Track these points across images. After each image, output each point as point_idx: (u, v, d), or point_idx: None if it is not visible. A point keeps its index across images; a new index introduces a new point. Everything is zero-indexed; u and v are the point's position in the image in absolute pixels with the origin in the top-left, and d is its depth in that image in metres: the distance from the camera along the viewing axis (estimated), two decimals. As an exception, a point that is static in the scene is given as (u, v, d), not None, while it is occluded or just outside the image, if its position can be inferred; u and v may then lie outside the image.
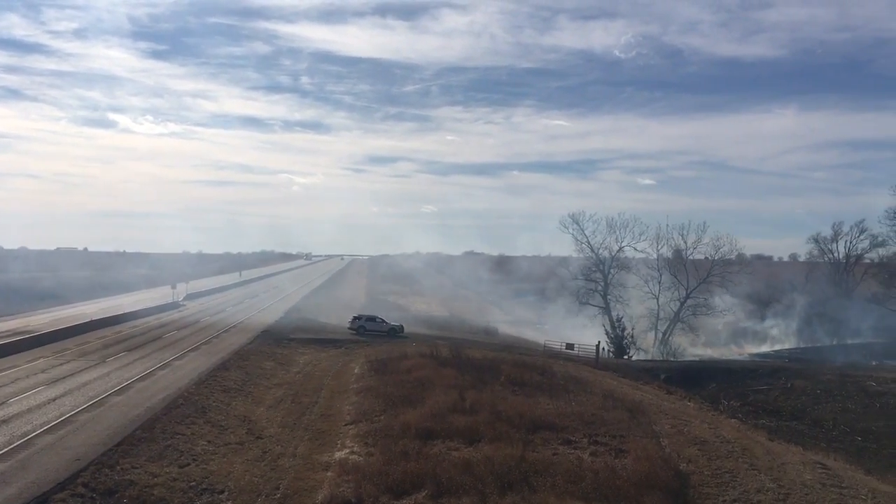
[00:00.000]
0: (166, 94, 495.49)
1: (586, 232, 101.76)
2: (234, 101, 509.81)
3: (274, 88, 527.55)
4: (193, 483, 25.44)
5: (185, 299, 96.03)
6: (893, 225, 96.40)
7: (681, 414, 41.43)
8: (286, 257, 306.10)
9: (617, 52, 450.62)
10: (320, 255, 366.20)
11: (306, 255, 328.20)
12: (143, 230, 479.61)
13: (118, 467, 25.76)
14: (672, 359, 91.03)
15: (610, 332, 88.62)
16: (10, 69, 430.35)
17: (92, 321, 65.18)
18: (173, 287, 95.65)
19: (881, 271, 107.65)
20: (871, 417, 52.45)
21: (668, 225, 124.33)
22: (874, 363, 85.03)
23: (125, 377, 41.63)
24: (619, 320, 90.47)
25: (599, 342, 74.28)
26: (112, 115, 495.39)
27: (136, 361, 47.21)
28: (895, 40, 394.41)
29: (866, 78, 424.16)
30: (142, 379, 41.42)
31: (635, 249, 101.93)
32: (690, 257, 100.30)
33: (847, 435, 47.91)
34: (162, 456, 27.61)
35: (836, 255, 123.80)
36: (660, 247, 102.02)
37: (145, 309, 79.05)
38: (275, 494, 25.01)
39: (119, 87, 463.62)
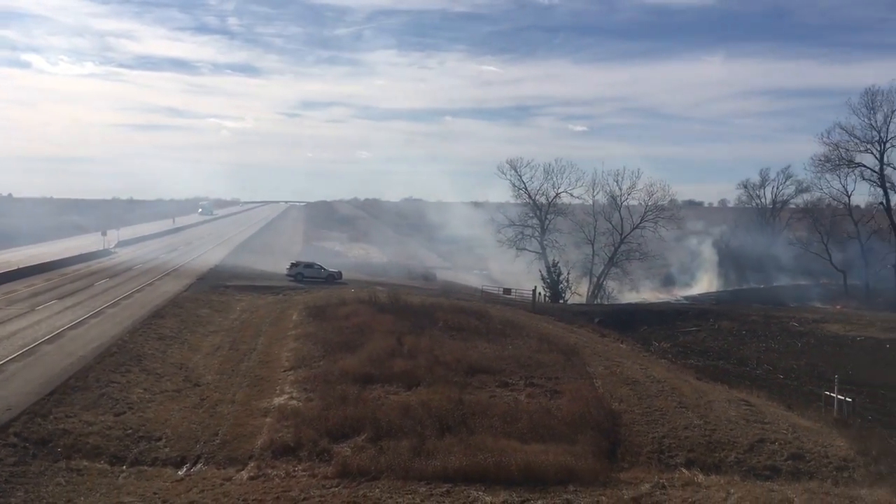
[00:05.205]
0: (87, 34, 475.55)
1: (524, 178, 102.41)
2: (160, 41, 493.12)
3: (201, 29, 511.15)
4: (130, 431, 25.28)
5: (116, 246, 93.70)
6: (817, 171, 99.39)
7: (614, 355, 42.60)
8: (221, 204, 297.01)
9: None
10: (252, 202, 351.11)
11: (203, 205, 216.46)
12: (70, 175, 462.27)
13: (51, 416, 25.42)
14: (606, 302, 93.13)
15: (546, 276, 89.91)
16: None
17: (19, 269, 63.16)
18: (104, 234, 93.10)
19: (806, 216, 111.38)
20: (793, 356, 54.78)
21: (603, 171, 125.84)
22: (796, 304, 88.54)
23: (56, 325, 40.69)
24: (555, 265, 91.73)
25: (536, 287, 75.46)
26: (25, 56, 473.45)
27: (67, 310, 46.13)
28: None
29: (790, 27, 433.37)
30: (73, 327, 40.58)
31: (571, 195, 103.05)
32: (625, 203, 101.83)
33: (770, 373, 49.99)
34: (96, 404, 27.29)
35: (763, 200, 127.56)
36: (595, 193, 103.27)
37: (75, 256, 76.85)
38: (213, 440, 25.02)
39: (37, 26, 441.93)
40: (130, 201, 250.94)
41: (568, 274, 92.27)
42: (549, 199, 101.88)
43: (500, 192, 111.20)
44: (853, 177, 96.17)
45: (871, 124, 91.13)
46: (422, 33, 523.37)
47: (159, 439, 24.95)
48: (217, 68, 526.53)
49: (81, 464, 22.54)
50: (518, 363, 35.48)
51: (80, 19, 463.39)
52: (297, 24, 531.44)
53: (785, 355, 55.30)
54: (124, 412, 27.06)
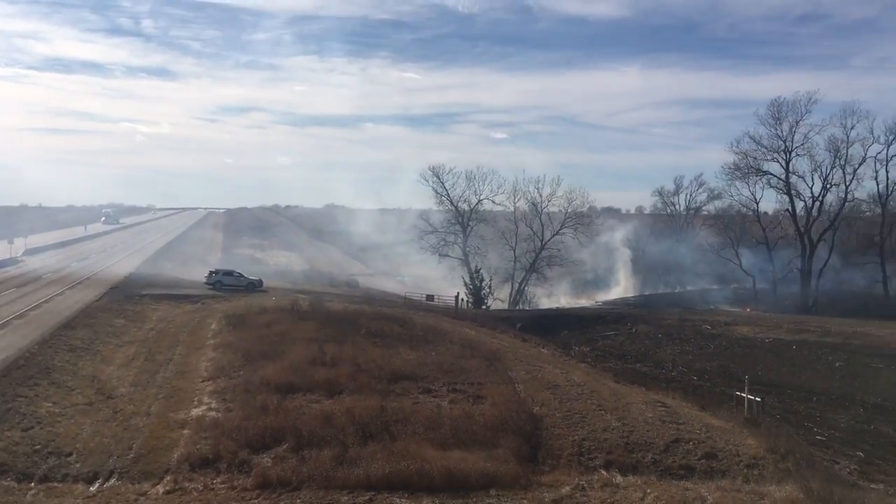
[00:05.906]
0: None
1: (446, 185, 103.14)
2: (71, 43, 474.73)
3: (114, 31, 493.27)
4: (38, 447, 24.29)
5: (24, 255, 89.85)
6: (728, 179, 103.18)
7: (535, 360, 43.16)
8: (135, 211, 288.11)
9: (461, 8, 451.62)
10: (169, 209, 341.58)
11: (107, 213, 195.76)
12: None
13: (-48, 434, 24.24)
14: (527, 308, 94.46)
15: (468, 283, 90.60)
16: None
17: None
18: (10, 242, 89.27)
19: (717, 222, 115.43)
20: (706, 358, 56.65)
21: (524, 179, 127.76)
22: (709, 307, 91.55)
23: (-43, 339, 38.82)
24: (477, 271, 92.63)
25: (458, 293, 75.89)
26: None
27: (-31, 322, 44.05)
28: (727, 3, 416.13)
29: (700, 40, 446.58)
30: (-24, 340, 38.77)
31: (493, 202, 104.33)
32: (545, 210, 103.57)
33: (685, 375, 51.54)
34: (2, 419, 26.15)
35: (677, 207, 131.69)
36: (517, 199, 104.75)
37: (-22, 265, 73.51)
38: (127, 455, 24.25)
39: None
40: (40, 208, 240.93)
41: (490, 280, 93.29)
42: (472, 206, 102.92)
43: (423, 199, 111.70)
44: (761, 184, 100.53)
45: (778, 134, 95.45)
46: (343, 40, 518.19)
47: (70, 454, 24.05)
48: (131, 71, 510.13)
49: (-15, 482, 21.57)
50: (441, 369, 35.58)
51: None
52: (214, 27, 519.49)
53: (699, 357, 57.14)
54: (32, 427, 25.98)
